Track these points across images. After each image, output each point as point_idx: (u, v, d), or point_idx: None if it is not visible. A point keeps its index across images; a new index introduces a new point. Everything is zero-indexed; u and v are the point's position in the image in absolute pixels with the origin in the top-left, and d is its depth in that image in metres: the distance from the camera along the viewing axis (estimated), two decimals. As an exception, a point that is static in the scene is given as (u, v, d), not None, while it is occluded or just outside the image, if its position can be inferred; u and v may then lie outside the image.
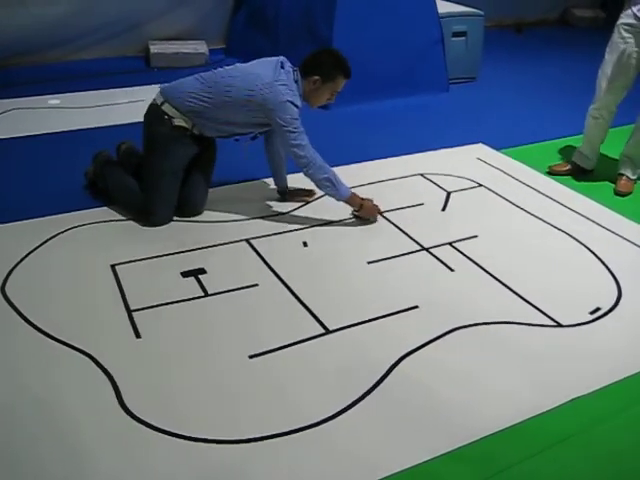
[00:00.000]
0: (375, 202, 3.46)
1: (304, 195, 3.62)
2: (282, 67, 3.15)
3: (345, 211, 3.46)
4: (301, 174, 3.28)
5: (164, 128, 3.18)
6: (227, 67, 3.23)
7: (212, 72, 3.21)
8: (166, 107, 3.18)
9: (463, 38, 5.76)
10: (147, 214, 3.27)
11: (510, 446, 2.15)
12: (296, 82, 3.17)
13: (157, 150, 3.22)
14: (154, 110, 3.23)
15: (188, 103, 3.14)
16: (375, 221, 3.43)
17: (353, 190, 3.36)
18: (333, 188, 3.25)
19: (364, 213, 3.38)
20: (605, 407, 2.33)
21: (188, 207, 3.37)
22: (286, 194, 3.61)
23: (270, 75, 3.10)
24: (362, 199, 3.35)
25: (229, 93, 3.10)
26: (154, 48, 5.88)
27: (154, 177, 3.23)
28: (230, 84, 3.11)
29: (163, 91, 3.22)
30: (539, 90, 5.87)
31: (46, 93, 5.04)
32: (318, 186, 3.30)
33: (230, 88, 3.10)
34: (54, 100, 4.96)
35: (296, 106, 3.13)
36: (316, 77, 3.17)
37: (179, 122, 3.18)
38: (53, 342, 2.48)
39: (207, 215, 3.42)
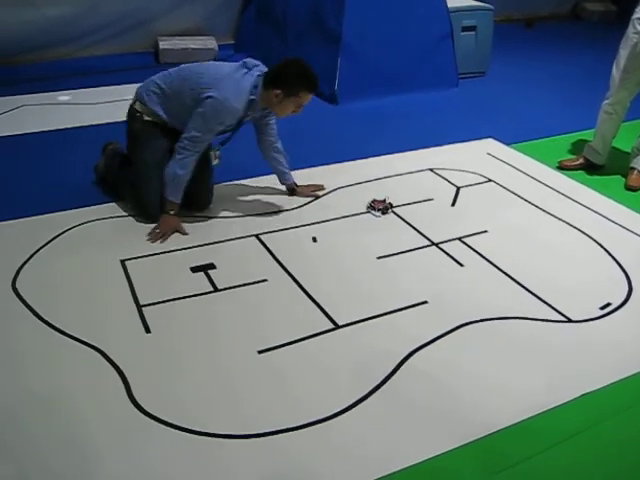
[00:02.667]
0: (384, 198, 3.48)
1: (314, 190, 3.61)
2: (247, 67, 3.10)
3: (355, 207, 3.47)
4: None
5: (138, 124, 3.27)
6: (195, 64, 3.27)
7: (178, 67, 3.25)
8: (137, 105, 3.27)
9: (473, 33, 5.74)
10: (140, 209, 3.29)
11: (519, 442, 2.14)
12: (255, 87, 3.08)
13: (136, 145, 3.30)
14: (129, 109, 3.33)
15: (149, 97, 3.22)
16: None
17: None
18: (170, 185, 3.13)
19: (160, 225, 3.20)
20: (614, 403, 2.32)
21: (195, 202, 3.38)
22: (295, 191, 3.61)
23: (224, 72, 3.09)
24: (167, 212, 3.19)
25: (183, 85, 3.13)
26: (163, 44, 5.88)
27: (139, 171, 3.25)
28: (185, 76, 3.15)
29: (137, 90, 3.31)
30: (549, 85, 5.84)
31: (56, 89, 5.05)
32: (164, 174, 3.16)
33: (184, 81, 3.13)
34: (64, 96, 4.98)
35: (236, 108, 3.05)
36: (278, 91, 3.05)
37: (148, 117, 3.25)
38: (63, 337, 2.49)
39: (216, 211, 3.42)
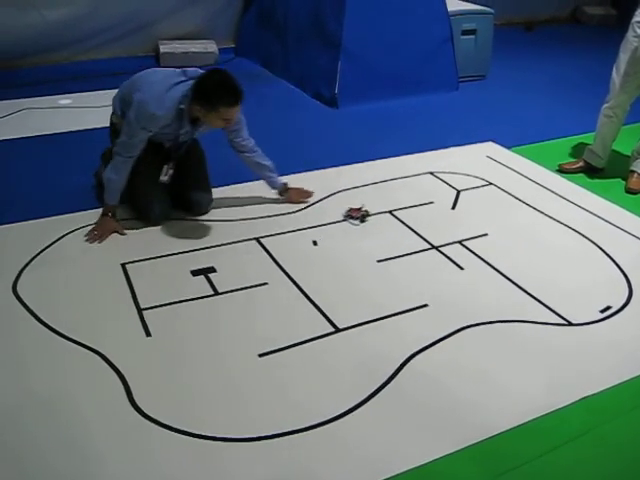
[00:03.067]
0: (360, 206, 3.46)
1: (305, 197, 3.59)
2: (185, 75, 3.03)
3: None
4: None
5: (114, 136, 3.29)
6: (150, 69, 3.28)
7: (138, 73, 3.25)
8: (113, 117, 3.35)
9: (473, 36, 5.75)
10: (139, 212, 3.31)
11: (519, 445, 2.14)
12: (185, 96, 2.97)
13: None
14: (109, 124, 3.40)
15: (114, 105, 3.31)
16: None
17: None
18: (106, 188, 3.17)
19: (97, 226, 3.20)
20: (615, 406, 2.32)
21: (193, 206, 3.39)
22: (285, 193, 3.55)
23: (159, 77, 3.07)
24: (105, 215, 3.21)
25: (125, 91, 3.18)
26: (164, 48, 5.90)
27: (130, 179, 3.19)
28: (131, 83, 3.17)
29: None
30: (549, 88, 5.85)
31: (57, 93, 5.07)
32: (103, 178, 3.21)
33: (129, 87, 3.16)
34: (65, 100, 4.99)
35: (154, 114, 2.94)
36: (197, 107, 2.95)
37: (120, 127, 3.24)
38: (64, 340, 2.50)
39: (217, 214, 3.42)
